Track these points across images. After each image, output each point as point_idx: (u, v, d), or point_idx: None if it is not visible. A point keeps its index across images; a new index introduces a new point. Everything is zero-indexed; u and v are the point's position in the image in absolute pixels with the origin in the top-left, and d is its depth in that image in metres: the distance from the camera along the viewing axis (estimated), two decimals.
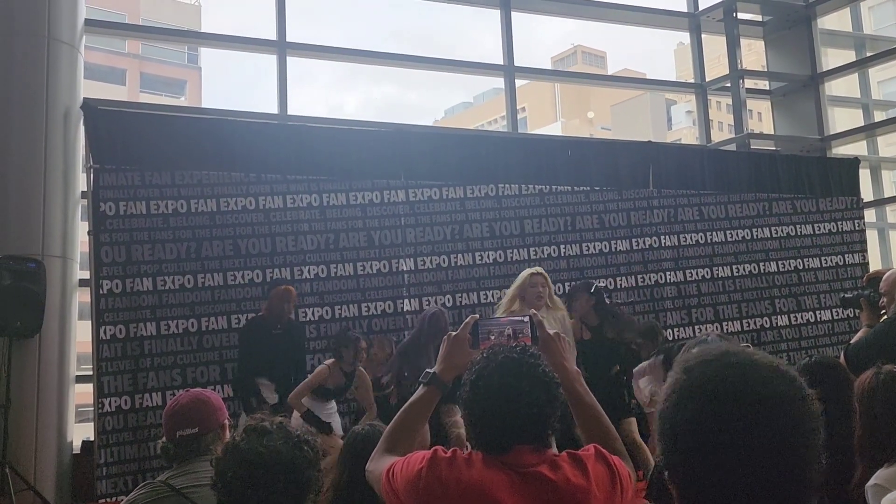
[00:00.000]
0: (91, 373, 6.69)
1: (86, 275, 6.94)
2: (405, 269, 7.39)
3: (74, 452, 6.80)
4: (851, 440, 2.37)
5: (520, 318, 2.22)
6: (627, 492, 1.96)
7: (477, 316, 2.25)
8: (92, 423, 6.60)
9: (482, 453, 1.89)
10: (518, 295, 5.02)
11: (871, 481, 2.22)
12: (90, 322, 6.64)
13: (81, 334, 7.13)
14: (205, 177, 7.00)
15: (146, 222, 6.78)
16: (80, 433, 7.17)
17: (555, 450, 1.94)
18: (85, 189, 6.97)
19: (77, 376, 7.05)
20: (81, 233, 7.06)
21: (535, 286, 4.90)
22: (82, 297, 7.24)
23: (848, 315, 8.73)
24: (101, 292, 6.56)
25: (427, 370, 2.19)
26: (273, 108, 8.44)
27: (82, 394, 7.09)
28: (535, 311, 2.31)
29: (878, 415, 2.34)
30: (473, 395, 1.90)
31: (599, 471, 1.90)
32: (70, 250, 6.95)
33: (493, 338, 2.14)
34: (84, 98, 7.12)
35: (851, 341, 3.53)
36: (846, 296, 3.93)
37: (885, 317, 3.41)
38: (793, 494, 0.99)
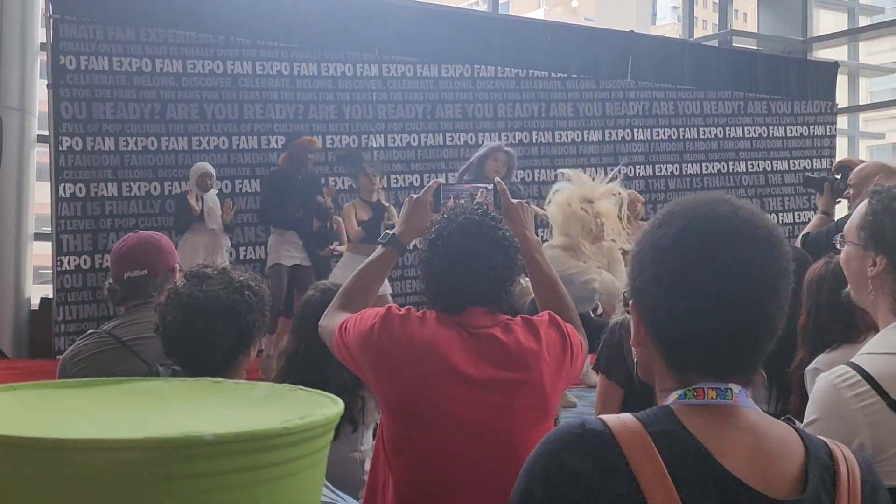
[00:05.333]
0: (50, 231, 6.60)
1: (45, 132, 6.74)
2: (374, 145, 7.28)
3: (33, 309, 6.79)
4: (796, 326, 2.41)
5: (483, 186, 2.22)
6: (578, 358, 1.98)
7: (440, 180, 2.22)
8: (51, 285, 6.56)
9: (436, 312, 1.90)
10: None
11: (811, 365, 2.28)
12: (49, 181, 6.50)
13: (40, 196, 6.99)
14: (171, 35, 6.74)
15: (108, 79, 6.55)
16: (41, 294, 7.14)
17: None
18: (44, 41, 6.68)
19: (36, 234, 6.97)
20: (41, 90, 6.81)
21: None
22: (41, 159, 7.06)
23: (810, 219, 8.84)
24: (60, 149, 6.40)
25: (386, 231, 2.17)
26: None
27: (43, 255, 7.02)
28: (499, 179, 2.29)
29: (824, 302, 2.38)
30: (431, 254, 1.88)
31: (552, 336, 1.92)
32: (28, 103, 6.72)
33: (455, 202, 2.12)
34: None
35: (807, 229, 3.50)
36: (810, 175, 3.87)
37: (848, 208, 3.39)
38: (754, 328, 0.98)
